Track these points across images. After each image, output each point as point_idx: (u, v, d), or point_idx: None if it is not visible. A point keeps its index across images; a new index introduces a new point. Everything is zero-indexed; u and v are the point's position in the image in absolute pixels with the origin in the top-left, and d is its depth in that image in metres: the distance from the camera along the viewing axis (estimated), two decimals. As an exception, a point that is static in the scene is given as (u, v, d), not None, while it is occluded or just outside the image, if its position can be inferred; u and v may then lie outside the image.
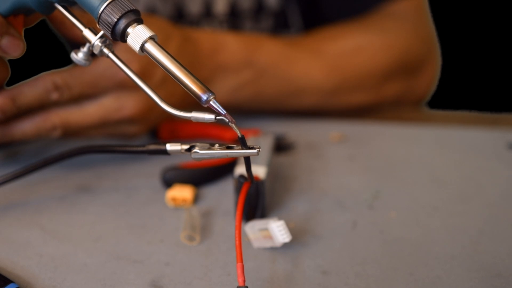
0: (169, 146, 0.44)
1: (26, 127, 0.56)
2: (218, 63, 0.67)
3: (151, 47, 0.39)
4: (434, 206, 0.53)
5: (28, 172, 0.51)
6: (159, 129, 0.66)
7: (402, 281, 0.43)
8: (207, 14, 0.83)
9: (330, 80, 0.74)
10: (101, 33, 0.43)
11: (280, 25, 0.86)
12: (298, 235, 0.48)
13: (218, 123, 0.39)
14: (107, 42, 0.43)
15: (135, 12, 0.40)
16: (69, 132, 0.58)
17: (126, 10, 0.39)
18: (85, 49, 0.45)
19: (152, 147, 0.45)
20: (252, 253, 0.46)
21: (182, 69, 0.39)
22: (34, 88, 0.54)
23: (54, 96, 0.55)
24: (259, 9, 0.86)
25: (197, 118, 0.39)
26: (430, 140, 0.68)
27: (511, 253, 0.46)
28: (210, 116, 0.39)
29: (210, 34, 0.69)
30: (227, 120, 0.38)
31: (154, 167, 0.59)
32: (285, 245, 0.45)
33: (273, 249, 0.46)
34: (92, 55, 0.45)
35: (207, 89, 0.38)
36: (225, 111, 0.38)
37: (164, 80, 0.59)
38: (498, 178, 0.59)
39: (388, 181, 0.58)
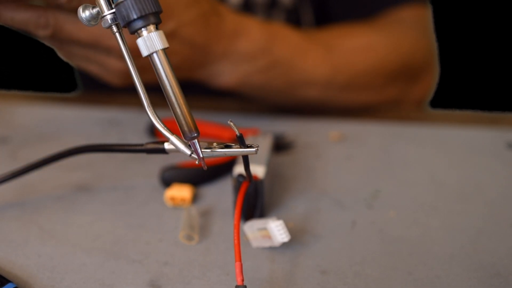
0: (167, 145, 0.44)
1: (19, 14, 0.53)
2: (234, 47, 0.65)
3: (157, 58, 0.37)
4: (433, 205, 0.53)
5: (26, 171, 0.51)
6: (157, 128, 0.66)
7: (401, 280, 0.43)
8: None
9: (339, 75, 0.73)
10: (114, 10, 0.38)
11: (291, 22, 0.86)
12: (297, 234, 0.48)
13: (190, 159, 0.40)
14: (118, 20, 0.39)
15: (155, 14, 0.37)
16: (57, 37, 0.55)
17: (148, 12, 0.36)
18: (94, 11, 0.39)
19: (151, 146, 0.45)
20: (251, 253, 0.46)
21: (181, 94, 0.38)
22: None
23: None
24: (272, 4, 0.86)
25: (172, 145, 0.40)
26: (429, 140, 0.68)
27: (510, 253, 0.46)
28: (186, 151, 0.39)
29: (236, 15, 0.67)
30: (201, 164, 0.39)
31: (153, 167, 0.59)
32: (284, 245, 0.45)
33: (272, 248, 0.46)
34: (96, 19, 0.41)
35: (195, 127, 0.38)
36: (202, 155, 0.39)
37: (174, 35, 0.58)
38: (497, 178, 0.59)
39: (387, 181, 0.58)
